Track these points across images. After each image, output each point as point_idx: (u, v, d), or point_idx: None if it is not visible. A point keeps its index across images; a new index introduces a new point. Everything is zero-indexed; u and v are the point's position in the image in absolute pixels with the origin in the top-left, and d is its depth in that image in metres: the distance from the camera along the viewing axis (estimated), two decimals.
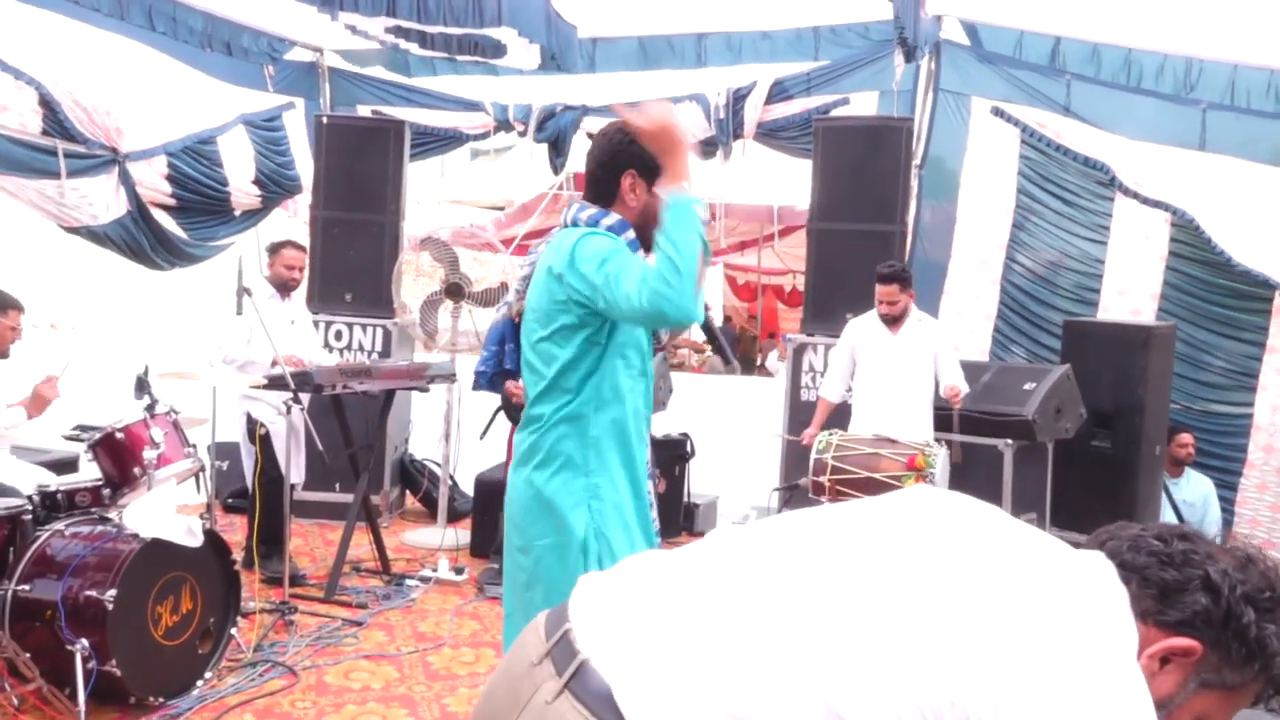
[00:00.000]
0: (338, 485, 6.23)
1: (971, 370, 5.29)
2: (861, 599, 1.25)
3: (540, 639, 1.38)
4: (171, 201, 6.80)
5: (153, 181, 6.65)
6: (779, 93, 7.04)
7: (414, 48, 7.11)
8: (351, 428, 5.39)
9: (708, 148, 7.37)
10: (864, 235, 5.87)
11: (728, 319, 16.53)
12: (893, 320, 5.16)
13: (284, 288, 5.33)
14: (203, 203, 7.04)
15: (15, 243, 9.06)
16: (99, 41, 6.36)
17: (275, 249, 5.42)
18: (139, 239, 6.63)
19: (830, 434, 5.02)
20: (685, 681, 1.26)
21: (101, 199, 6.33)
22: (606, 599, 1.39)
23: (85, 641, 3.39)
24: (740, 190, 10.92)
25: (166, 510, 3.73)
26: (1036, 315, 6.55)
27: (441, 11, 6.51)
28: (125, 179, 6.43)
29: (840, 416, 5.34)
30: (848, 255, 5.85)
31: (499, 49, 6.87)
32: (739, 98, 7.11)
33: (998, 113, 6.60)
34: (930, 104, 6.68)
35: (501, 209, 12.55)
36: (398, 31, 6.74)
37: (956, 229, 6.70)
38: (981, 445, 5.30)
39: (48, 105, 5.94)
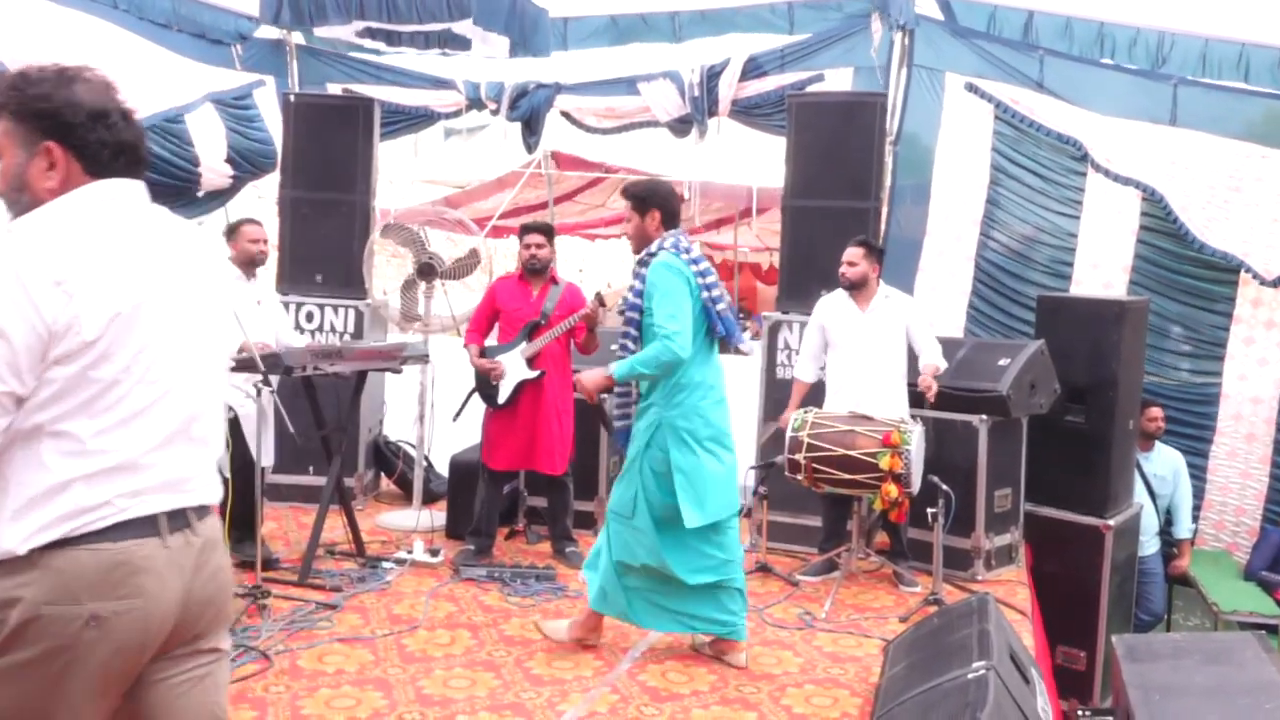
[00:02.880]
0: (311, 468, 6.17)
1: (946, 346, 5.28)
2: None
3: None
4: None
5: None
6: (753, 69, 7.00)
7: (381, 46, 7.11)
8: (324, 410, 5.33)
9: (682, 126, 7.32)
10: (839, 212, 5.80)
11: None
12: (853, 288, 5.15)
13: (251, 264, 5.23)
14: (168, 184, 6.90)
15: None
16: (57, 18, 6.21)
17: (233, 229, 5.31)
18: None
19: (805, 412, 5.00)
20: None
21: None
22: None
23: None
24: (716, 168, 10.88)
25: None
26: (1011, 290, 6.57)
27: (413, 8, 6.49)
28: None
29: (815, 395, 5.33)
30: (822, 232, 5.79)
31: (465, 43, 6.85)
32: (713, 75, 7.06)
33: (971, 88, 6.59)
34: (904, 79, 6.66)
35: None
36: (366, 33, 6.73)
37: (931, 205, 6.71)
38: (956, 421, 5.31)
39: None
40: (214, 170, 7.11)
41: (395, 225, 6.08)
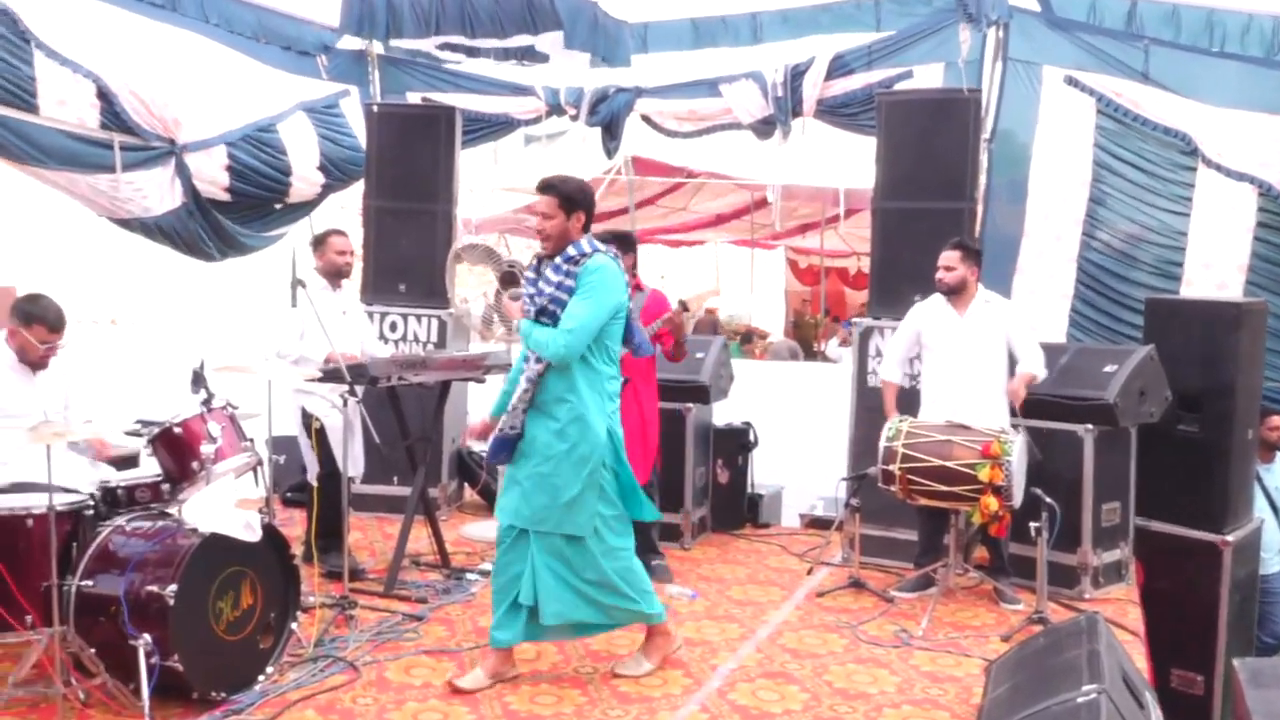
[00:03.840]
0: (395, 478, 6.28)
1: (1049, 353, 5.16)
2: None
3: None
4: (226, 196, 6.87)
5: (211, 173, 6.70)
6: (839, 67, 6.94)
7: (462, 58, 7.29)
8: (408, 420, 5.42)
9: (765, 127, 7.29)
10: (932, 214, 5.72)
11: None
12: (951, 293, 5.07)
13: (338, 276, 5.36)
14: (258, 195, 7.09)
15: (72, 239, 9.29)
16: (153, 33, 6.46)
17: (320, 240, 5.45)
18: (193, 230, 6.71)
19: (900, 421, 4.93)
20: None
21: (156, 191, 6.42)
22: None
23: (148, 637, 3.45)
24: (801, 171, 10.80)
25: (225, 504, 3.78)
26: (1117, 292, 6.38)
27: (495, 20, 6.61)
28: (181, 170, 6.51)
29: (909, 404, 5.25)
30: (915, 235, 5.70)
31: (544, 56, 6.99)
32: (797, 74, 7.02)
33: (1071, 82, 6.44)
34: (999, 74, 6.54)
35: None
36: (445, 46, 6.89)
37: (1029, 204, 6.57)
38: (1060, 431, 5.18)
39: (105, 98, 6.04)
40: (305, 179, 7.28)
41: (469, 246, 6.17)
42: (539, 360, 3.82)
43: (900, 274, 5.78)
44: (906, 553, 5.47)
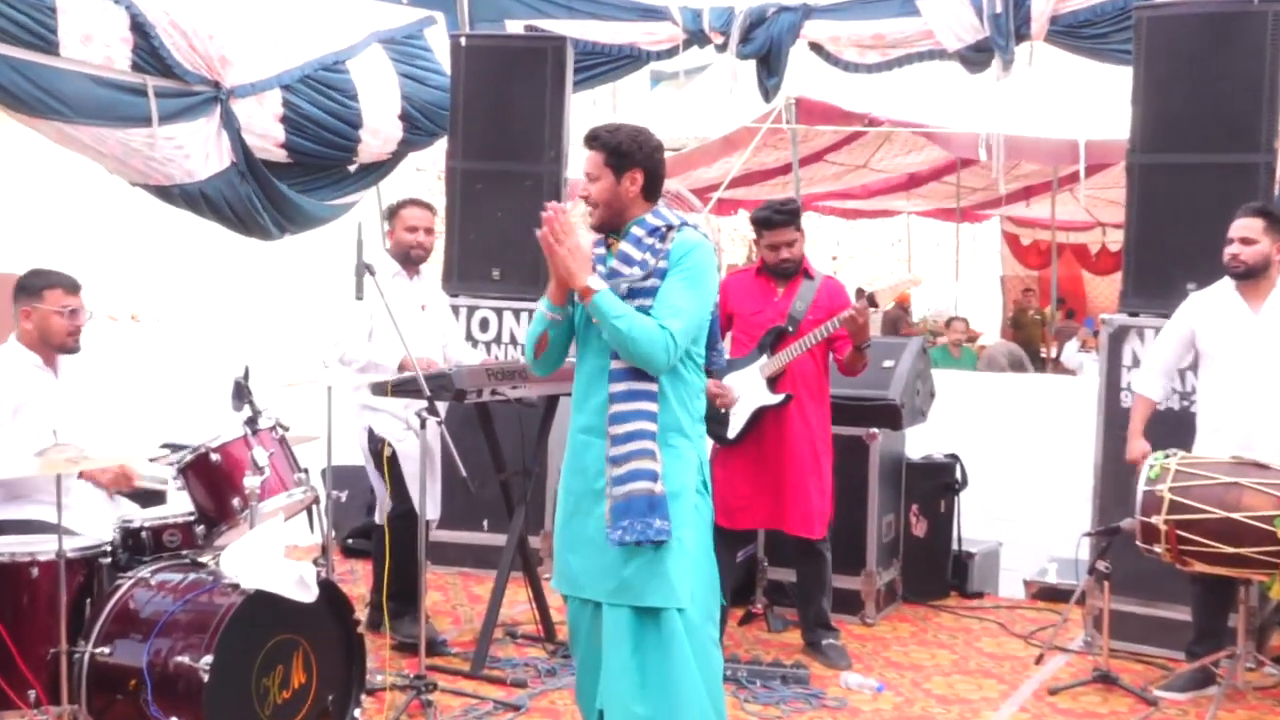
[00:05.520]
0: (486, 523, 6.38)
1: None
2: None
3: None
4: (281, 154, 7.07)
5: (263, 125, 6.93)
6: None
7: None
8: (503, 447, 5.49)
9: (978, 56, 7.19)
10: (1211, 170, 5.62)
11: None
12: (1247, 276, 4.94)
13: (408, 260, 5.48)
14: (319, 154, 7.26)
15: (82, 218, 9.75)
16: None
17: (393, 211, 5.58)
18: (246, 197, 6.91)
19: (1167, 456, 4.77)
20: None
21: (199, 149, 6.65)
22: None
23: None
24: (1025, 116, 10.60)
25: (273, 554, 3.88)
26: None
27: None
28: (229, 122, 6.74)
29: (1182, 431, 5.07)
30: (1187, 200, 5.61)
31: None
32: None
33: None
34: None
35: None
36: None
37: None
38: None
39: (140, 30, 6.28)
40: (377, 133, 7.43)
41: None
42: (642, 373, 3.63)
43: (1167, 253, 5.68)
44: (1176, 637, 5.36)
